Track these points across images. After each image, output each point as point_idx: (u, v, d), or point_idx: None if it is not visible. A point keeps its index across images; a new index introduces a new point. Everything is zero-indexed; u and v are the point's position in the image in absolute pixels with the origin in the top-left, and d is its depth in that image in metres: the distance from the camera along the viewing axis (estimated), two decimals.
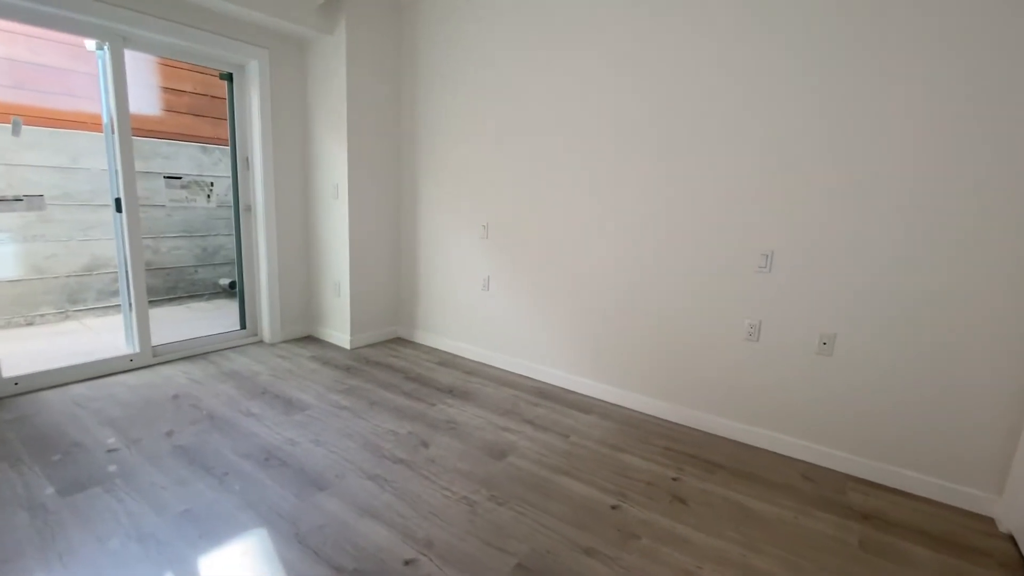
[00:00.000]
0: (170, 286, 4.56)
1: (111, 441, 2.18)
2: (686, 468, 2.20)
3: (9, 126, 3.42)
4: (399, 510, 1.81)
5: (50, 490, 1.82)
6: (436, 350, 3.60)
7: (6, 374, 2.54)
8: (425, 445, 2.27)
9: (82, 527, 1.65)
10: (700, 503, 1.95)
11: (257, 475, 1.98)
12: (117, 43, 2.68)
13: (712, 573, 1.58)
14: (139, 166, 4.17)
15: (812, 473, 2.21)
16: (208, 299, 4.77)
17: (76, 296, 4.03)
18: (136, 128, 4.01)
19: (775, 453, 2.36)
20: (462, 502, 1.88)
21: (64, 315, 3.97)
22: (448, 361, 3.40)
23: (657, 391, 2.70)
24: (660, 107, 2.50)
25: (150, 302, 4.33)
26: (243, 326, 3.58)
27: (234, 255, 4.11)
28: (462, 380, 3.07)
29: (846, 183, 2.09)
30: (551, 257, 2.99)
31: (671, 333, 2.62)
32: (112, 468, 1.97)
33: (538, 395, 2.91)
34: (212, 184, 3.89)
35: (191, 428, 2.32)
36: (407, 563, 1.56)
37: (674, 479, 2.11)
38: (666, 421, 2.65)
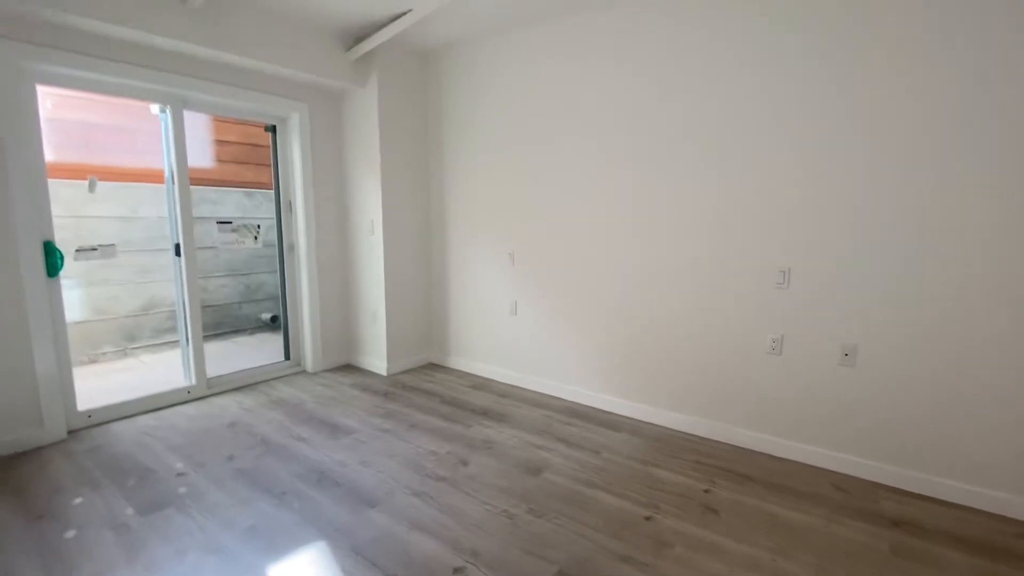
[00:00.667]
0: (217, 322, 4.85)
1: (179, 466, 2.37)
2: (717, 480, 2.27)
3: (84, 183, 3.80)
4: (445, 523, 1.93)
5: (130, 510, 2.01)
6: (468, 374, 3.75)
7: (80, 408, 2.78)
8: (464, 463, 2.40)
9: (162, 542, 1.82)
10: (731, 513, 2.02)
11: (312, 494, 2.13)
12: (178, 105, 2.99)
13: None
14: (194, 212, 4.52)
15: (843, 483, 2.25)
16: (252, 333, 5.05)
17: (134, 334, 4.34)
18: (191, 178, 4.38)
19: (805, 464, 2.41)
20: (502, 515, 1.99)
21: (123, 352, 4.27)
22: (481, 384, 3.54)
23: (685, 407, 2.78)
24: (679, 135, 2.66)
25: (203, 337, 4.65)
26: (287, 357, 3.81)
27: (275, 291, 4.37)
28: (495, 402, 3.20)
29: (858, 199, 2.20)
30: (576, 281, 3.14)
31: (697, 350, 2.71)
32: (182, 490, 2.16)
33: (569, 414, 3.02)
34: (259, 226, 4.18)
35: (249, 453, 2.50)
36: (456, 571, 1.68)
37: (705, 491, 2.18)
38: (695, 436, 2.72)
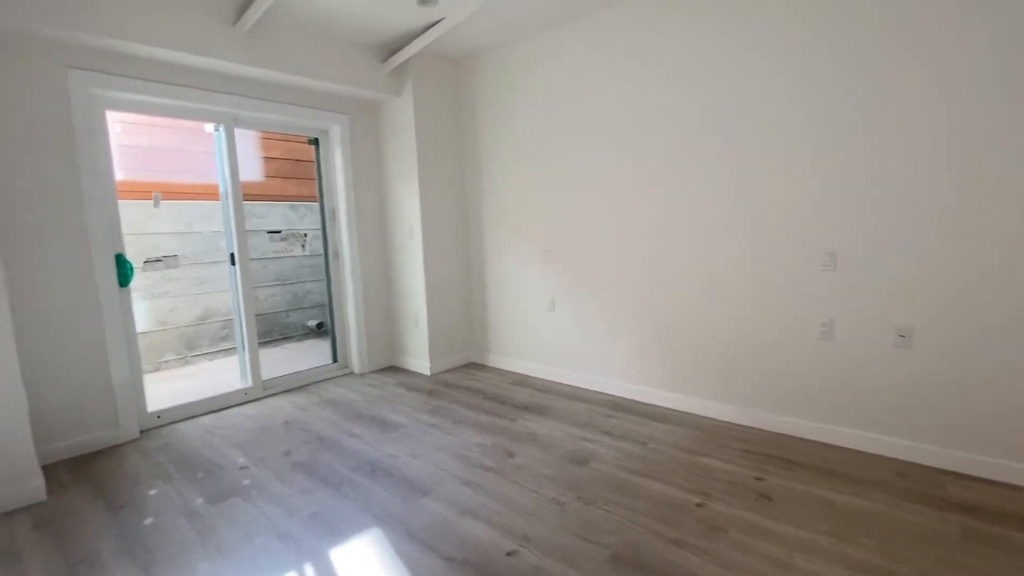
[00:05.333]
0: (267, 330, 5.07)
1: (241, 460, 2.50)
2: (768, 468, 2.23)
3: (145, 201, 4.07)
4: (495, 510, 1.97)
5: (200, 500, 2.14)
6: (509, 372, 3.80)
7: (150, 409, 2.97)
8: (511, 455, 2.44)
9: (231, 528, 1.93)
10: (786, 499, 1.98)
11: (367, 484, 2.22)
12: (230, 124, 3.18)
13: (805, 562, 1.62)
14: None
15: (904, 469, 2.17)
16: (299, 339, 5.25)
17: (192, 343, 4.59)
18: (244, 194, 4.62)
19: (861, 452, 2.33)
20: (552, 503, 2.02)
21: (184, 360, 4.52)
22: (521, 381, 3.57)
23: (731, 397, 2.73)
24: (721, 115, 2.65)
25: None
26: (335, 359, 3.95)
27: (320, 299, 4.54)
28: (537, 397, 3.23)
29: (902, 178, 2.14)
30: (613, 274, 3.14)
31: (741, 338, 2.67)
32: (246, 482, 2.28)
33: (612, 408, 3.01)
34: (306, 235, 4.37)
35: (305, 448, 2.61)
36: (509, 554, 1.71)
37: (758, 478, 2.15)
38: (743, 426, 2.68)
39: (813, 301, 2.42)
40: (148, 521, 1.99)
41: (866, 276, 2.27)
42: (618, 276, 3.13)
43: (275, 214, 5.09)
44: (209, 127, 3.21)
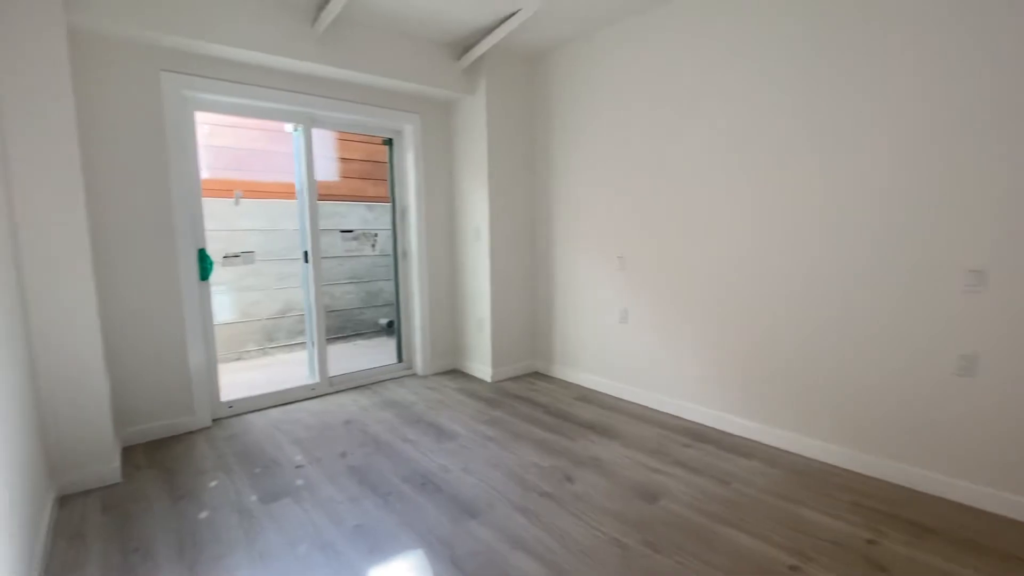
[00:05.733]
0: (341, 326, 5.22)
1: (299, 459, 2.49)
2: (884, 529, 1.83)
3: (231, 199, 4.30)
4: (549, 545, 1.77)
5: (253, 497, 2.13)
6: (574, 385, 3.56)
7: (223, 399, 3.08)
8: (570, 480, 2.22)
9: (277, 531, 1.89)
10: (907, 574, 1.60)
11: (416, 498, 2.10)
12: (308, 123, 3.25)
13: None
14: (321, 224, 4.94)
15: None
16: (370, 337, 5.35)
17: (272, 335, 4.81)
18: (320, 193, 4.78)
19: (1008, 519, 1.86)
20: (613, 544, 1.78)
21: (263, 351, 4.74)
22: (587, 396, 3.33)
23: (836, 435, 2.32)
24: (820, 99, 2.28)
25: (327, 339, 5.03)
26: (400, 359, 3.93)
27: (392, 297, 4.56)
28: (603, 416, 2.98)
29: None
30: (696, 285, 2.82)
31: (852, 366, 2.26)
32: (299, 482, 2.25)
33: (688, 435, 2.69)
34: (376, 235, 4.42)
35: (360, 451, 2.56)
36: None
37: (869, 541, 1.77)
38: (849, 471, 2.26)
39: (952, 328, 1.98)
40: (203, 515, 2.00)
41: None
42: (702, 287, 2.80)
43: (354, 214, 5.22)
44: (289, 127, 3.29)
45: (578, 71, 3.35)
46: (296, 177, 3.34)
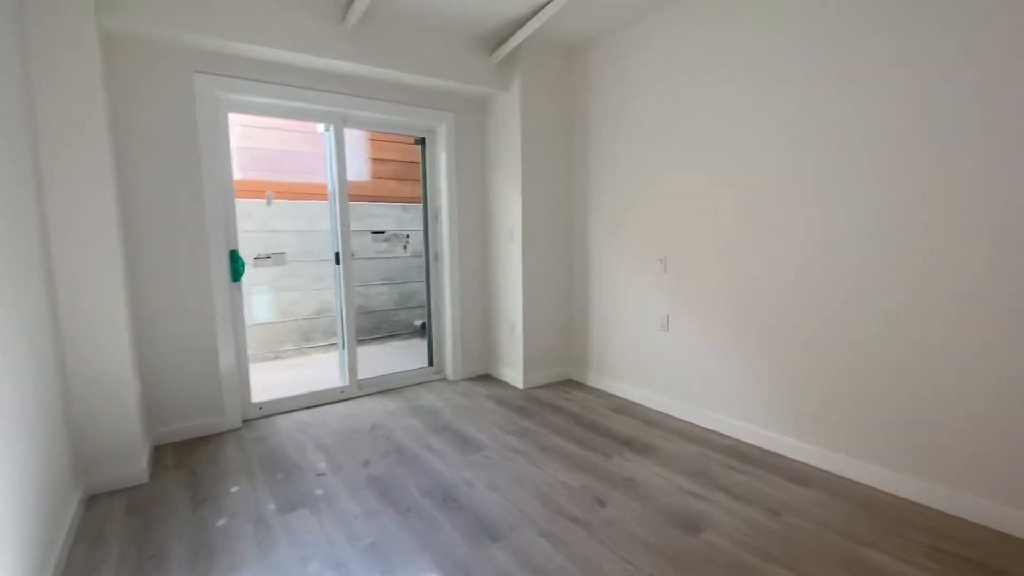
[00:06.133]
0: (375, 326, 5.21)
1: (321, 466, 2.44)
2: None
3: (262, 200, 4.35)
4: None
5: (271, 506, 2.08)
6: (610, 395, 3.37)
7: (254, 400, 3.09)
8: (601, 504, 2.05)
9: (290, 544, 1.81)
10: None
11: (435, 515, 1.98)
12: (339, 123, 3.21)
13: None
14: (355, 225, 4.94)
15: None
16: (405, 338, 5.33)
17: (308, 335, 4.85)
18: (354, 194, 4.78)
19: None
20: None
21: (299, 351, 4.79)
22: (624, 408, 3.13)
23: (910, 465, 2.04)
24: (876, 116, 2.00)
25: (360, 341, 5.03)
26: (431, 363, 3.86)
27: (425, 299, 4.50)
28: (640, 431, 2.78)
29: None
30: (743, 291, 2.58)
31: (932, 385, 1.98)
32: (319, 492, 2.19)
33: (734, 456, 2.46)
34: (408, 236, 4.36)
35: (383, 460, 2.48)
36: None
37: None
38: (926, 507, 1.98)
39: None
40: (221, 522, 1.96)
41: None
42: (750, 294, 2.55)
43: (389, 215, 5.21)
44: (320, 127, 3.27)
45: (618, 61, 3.16)
46: (328, 178, 3.32)
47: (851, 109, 2.12)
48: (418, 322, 5.36)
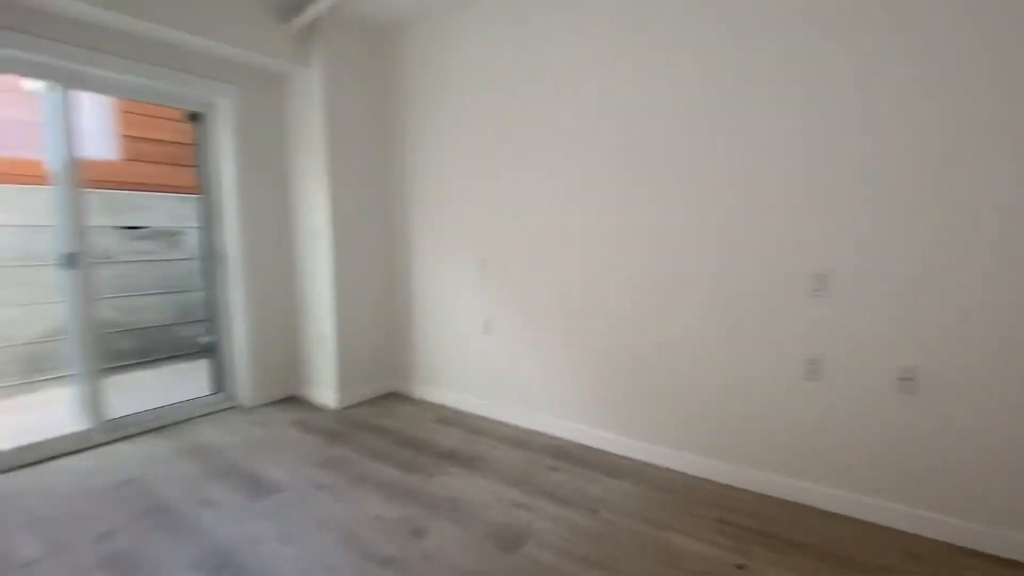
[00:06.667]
0: (146, 347, 4.18)
1: (30, 551, 1.74)
2: (752, 549, 1.72)
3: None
4: None
5: None
6: (436, 405, 3.17)
7: None
8: (419, 535, 1.82)
9: None
10: None
11: None
12: (65, 81, 2.41)
13: None
14: (106, 220, 3.89)
15: (915, 547, 1.73)
16: (190, 359, 4.38)
17: (40, 364, 3.66)
18: (101, 179, 3.75)
19: (862, 521, 1.88)
20: None
21: (25, 385, 3.58)
22: (450, 418, 2.95)
23: (700, 446, 2.24)
24: (681, 115, 2.17)
25: (123, 367, 3.97)
26: (219, 389, 3.18)
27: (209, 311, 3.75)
28: (466, 442, 2.62)
29: (919, 184, 1.72)
30: (563, 292, 2.60)
31: (712, 374, 2.18)
32: None
33: (556, 456, 2.45)
34: (179, 234, 3.56)
35: (132, 527, 1.88)
36: None
37: (739, 566, 1.64)
38: (714, 483, 2.18)
39: (797, 333, 1.97)
40: None
41: (863, 305, 1.83)
42: (569, 294, 2.58)
43: (161, 208, 4.22)
44: (33, 85, 2.42)
45: (439, 50, 2.97)
46: (49, 154, 2.47)
47: (661, 100, 2.25)
48: (205, 339, 4.46)
